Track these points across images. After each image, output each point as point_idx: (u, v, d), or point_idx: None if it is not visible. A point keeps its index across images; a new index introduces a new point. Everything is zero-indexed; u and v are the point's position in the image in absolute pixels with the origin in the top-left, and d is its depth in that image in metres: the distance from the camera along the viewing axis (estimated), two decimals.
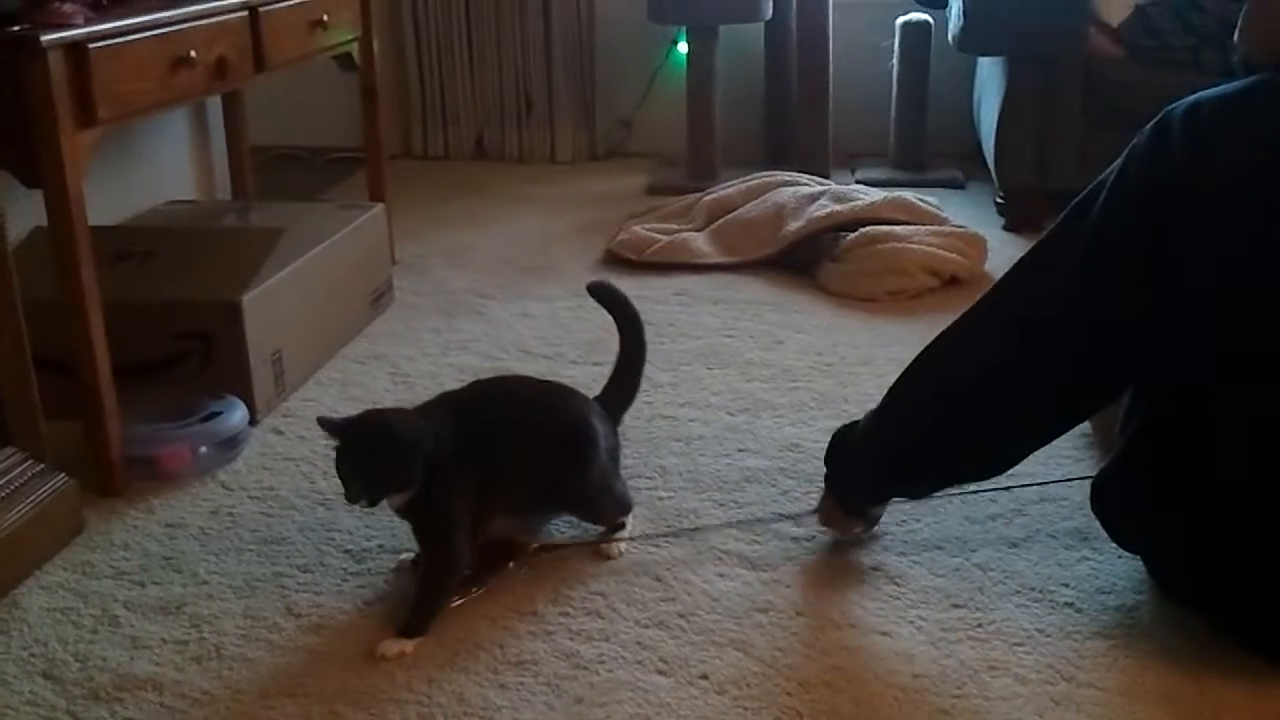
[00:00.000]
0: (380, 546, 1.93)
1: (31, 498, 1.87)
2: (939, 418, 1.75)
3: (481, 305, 3.02)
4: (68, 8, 1.99)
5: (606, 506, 1.93)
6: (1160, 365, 1.62)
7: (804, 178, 3.60)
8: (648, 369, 2.56)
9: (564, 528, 1.98)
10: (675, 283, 3.15)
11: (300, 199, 3.63)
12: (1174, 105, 1.60)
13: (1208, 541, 1.60)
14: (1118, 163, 1.63)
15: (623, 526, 1.94)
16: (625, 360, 2.11)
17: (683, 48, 4.21)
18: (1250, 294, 1.52)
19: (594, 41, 4.43)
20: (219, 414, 2.22)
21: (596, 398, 2.02)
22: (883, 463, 1.82)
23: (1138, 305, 1.58)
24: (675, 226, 3.45)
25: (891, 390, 1.83)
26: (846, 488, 1.88)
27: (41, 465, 1.91)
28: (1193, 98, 1.59)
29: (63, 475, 1.94)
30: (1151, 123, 1.61)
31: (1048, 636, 1.69)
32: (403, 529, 1.96)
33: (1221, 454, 1.57)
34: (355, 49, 3.05)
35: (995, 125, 3.51)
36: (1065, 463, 2.13)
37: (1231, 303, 1.53)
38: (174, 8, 2.19)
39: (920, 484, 1.87)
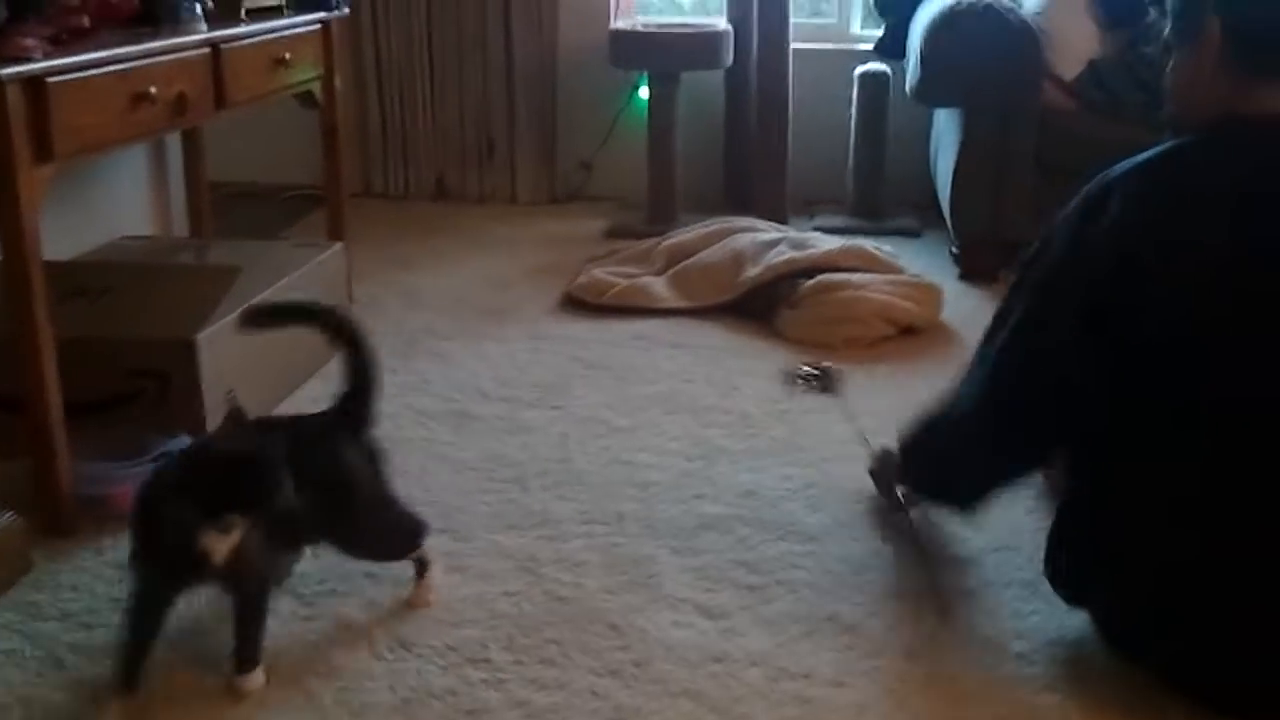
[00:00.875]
0: (331, 591, 1.91)
1: None
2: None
3: (439, 346, 3.01)
4: (27, 41, 1.97)
5: (386, 539, 1.87)
6: (1086, 431, 1.69)
7: (762, 224, 3.63)
8: (605, 412, 2.58)
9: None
10: (634, 327, 3.15)
11: (258, 236, 3.61)
12: (1100, 176, 1.65)
13: (1143, 602, 1.63)
14: (1045, 236, 1.70)
15: (423, 564, 1.88)
16: (350, 366, 1.91)
17: (644, 93, 4.24)
18: (1181, 349, 1.57)
19: (556, 84, 4.46)
20: (170, 453, 2.19)
21: (333, 415, 1.87)
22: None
23: (1070, 368, 1.65)
24: (634, 270, 3.46)
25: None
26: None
27: None
28: (1118, 168, 1.65)
29: (11, 514, 1.91)
30: (1079, 196, 1.67)
31: (1000, 688, 1.69)
32: (352, 572, 1.94)
33: (1136, 528, 1.64)
34: (317, 87, 3.05)
35: (951, 175, 3.56)
36: (1020, 515, 2.14)
37: (1160, 359, 1.58)
38: (135, 43, 2.18)
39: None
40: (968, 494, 1.88)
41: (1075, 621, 1.82)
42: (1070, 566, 1.76)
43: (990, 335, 1.78)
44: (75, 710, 1.63)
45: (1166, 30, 1.74)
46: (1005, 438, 1.77)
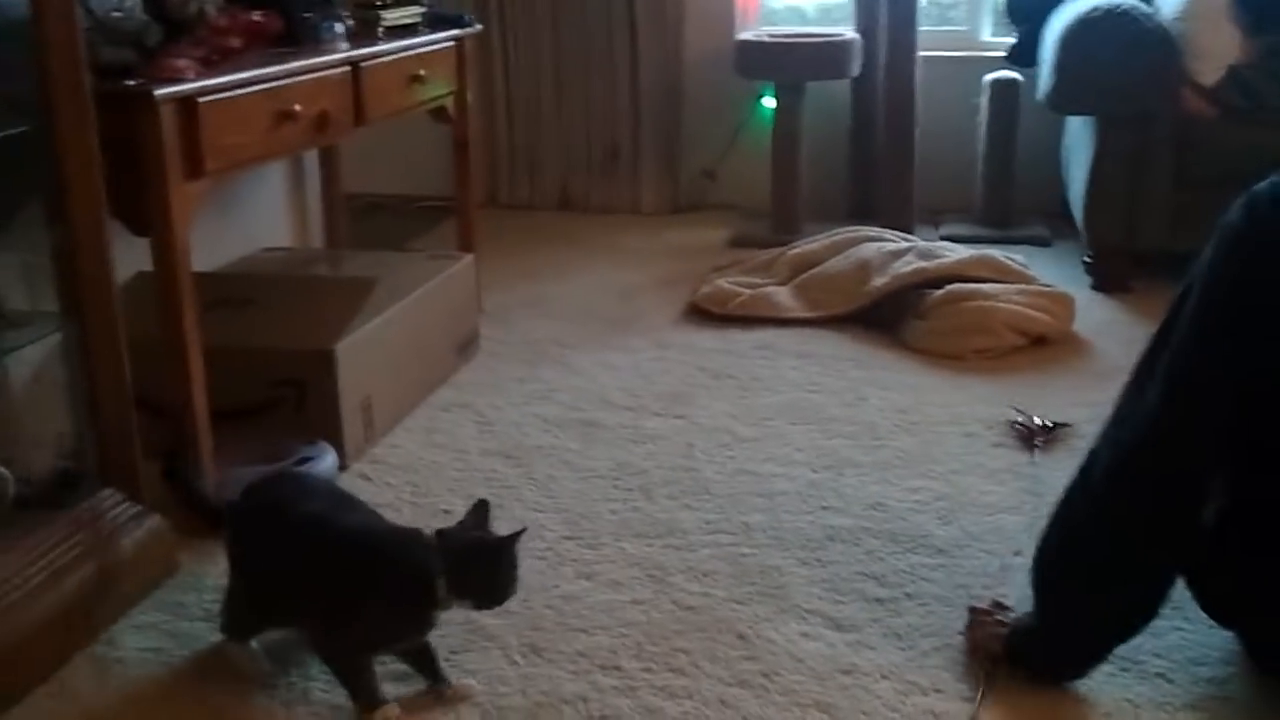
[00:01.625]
0: None
1: (128, 539, 1.92)
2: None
3: (565, 355, 3.05)
4: (180, 62, 2.05)
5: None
6: (1253, 445, 1.59)
7: (889, 233, 3.60)
8: (730, 422, 2.60)
9: None
10: (758, 336, 3.15)
11: (389, 247, 3.70)
12: (1257, 189, 1.54)
13: None
14: (1206, 255, 1.57)
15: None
16: None
17: (769, 102, 4.24)
18: None
19: (680, 95, 4.48)
20: (310, 459, 2.26)
21: None
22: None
23: (1238, 383, 1.54)
24: (759, 280, 3.46)
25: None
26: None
27: (139, 507, 1.96)
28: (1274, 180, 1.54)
29: (158, 517, 1.98)
30: (1236, 207, 1.55)
31: (1138, 707, 1.66)
32: None
33: None
34: (450, 102, 3.11)
35: (1085, 184, 3.49)
36: None
37: None
38: (280, 63, 2.26)
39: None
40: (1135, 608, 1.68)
41: (1216, 640, 1.77)
42: (1222, 588, 1.70)
43: (1145, 367, 1.62)
44: (219, 705, 1.68)
45: None
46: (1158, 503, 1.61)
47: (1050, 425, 2.54)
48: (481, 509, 1.70)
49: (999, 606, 1.80)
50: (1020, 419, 2.57)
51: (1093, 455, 1.64)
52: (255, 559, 1.75)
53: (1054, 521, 1.69)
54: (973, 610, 1.82)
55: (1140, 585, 1.64)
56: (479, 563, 1.63)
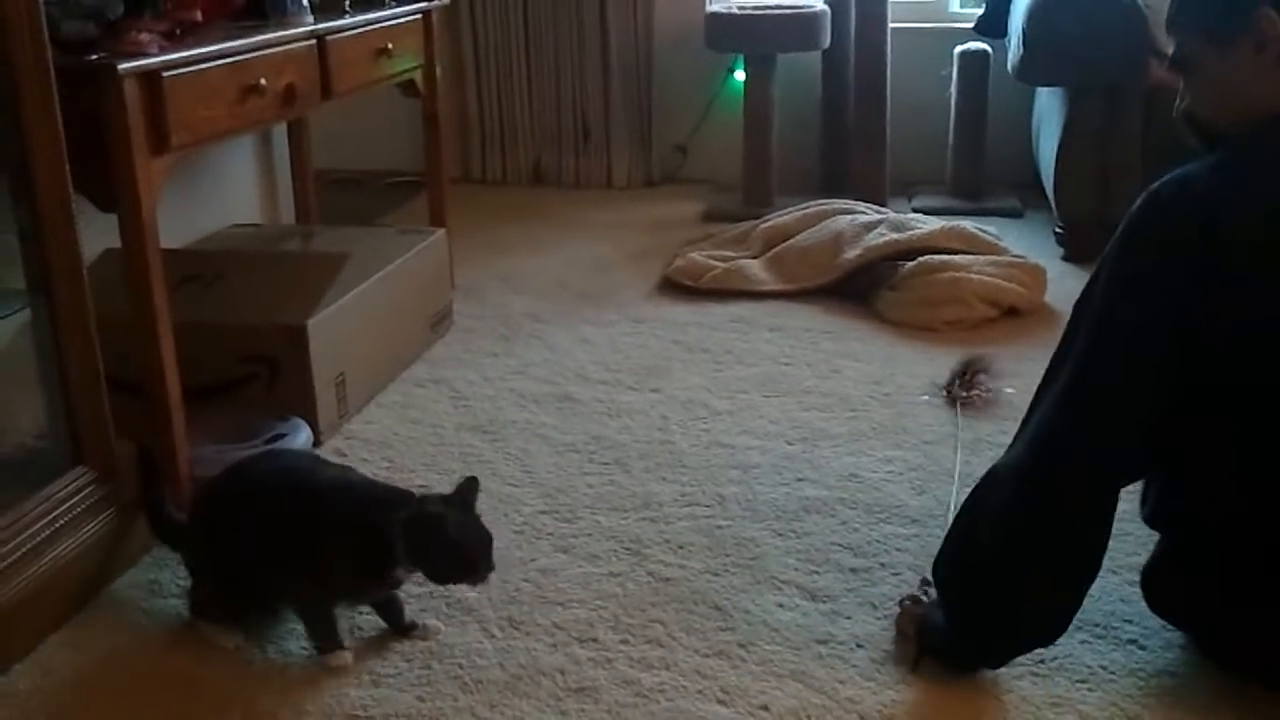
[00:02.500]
0: None
1: (102, 515, 1.90)
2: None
3: (539, 330, 3.05)
4: (143, 37, 2.03)
5: None
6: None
7: (861, 205, 3.60)
8: (704, 395, 2.60)
9: None
10: (732, 309, 3.15)
11: (360, 222, 3.68)
12: (1158, 185, 1.55)
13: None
14: (1111, 248, 1.57)
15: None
16: None
17: (739, 75, 4.23)
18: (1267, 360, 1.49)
19: (651, 68, 4.46)
20: (284, 435, 2.24)
21: None
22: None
23: (1153, 390, 1.53)
24: (732, 253, 3.46)
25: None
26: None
27: (111, 485, 1.94)
28: (1174, 176, 1.55)
29: (132, 494, 1.97)
30: (1138, 204, 1.56)
31: (1112, 674, 1.67)
32: None
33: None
34: (418, 76, 3.09)
35: (1055, 155, 3.50)
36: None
37: (1250, 368, 1.50)
38: (245, 36, 2.23)
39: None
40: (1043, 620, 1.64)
41: None
42: (1172, 592, 1.70)
43: (1050, 375, 1.62)
44: (194, 680, 1.68)
45: (1184, 34, 1.60)
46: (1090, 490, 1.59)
47: (969, 378, 2.58)
48: (469, 486, 1.72)
49: (925, 584, 1.79)
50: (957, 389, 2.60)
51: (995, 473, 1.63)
52: (227, 544, 1.77)
53: (964, 532, 1.67)
54: (902, 600, 1.79)
55: (1066, 582, 1.62)
56: (434, 540, 1.66)
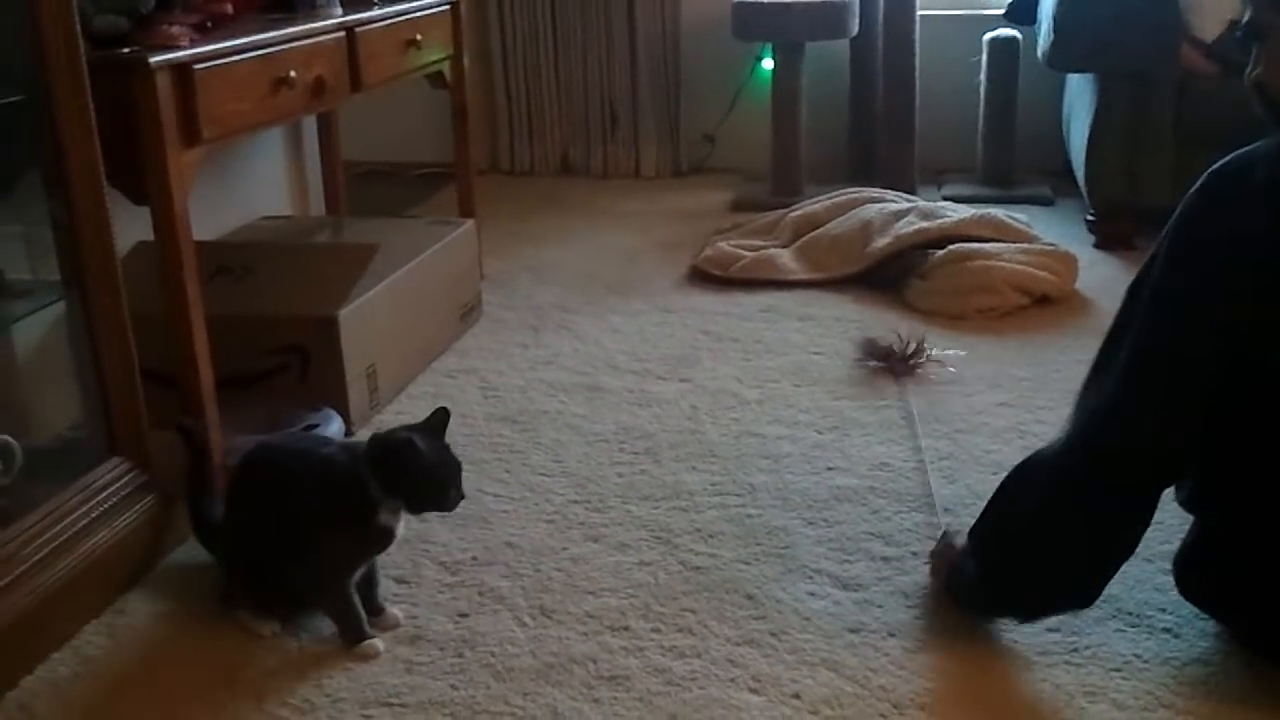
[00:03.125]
0: (473, 559, 1.96)
1: (138, 506, 1.92)
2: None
3: (568, 320, 3.05)
4: (174, 30, 2.04)
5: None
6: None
7: (890, 194, 3.59)
8: (734, 385, 2.60)
9: None
10: (761, 299, 3.15)
11: (390, 214, 3.69)
12: (1220, 165, 1.53)
13: None
14: (1168, 230, 1.55)
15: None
16: None
17: (767, 64, 4.22)
18: None
19: (679, 58, 4.46)
20: (315, 426, 2.26)
21: None
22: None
23: (1207, 370, 1.53)
24: (760, 242, 3.45)
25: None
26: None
27: (146, 475, 1.96)
28: (1237, 155, 1.52)
29: (167, 484, 1.98)
30: (1198, 185, 1.54)
31: (1145, 662, 1.66)
32: (494, 541, 1.99)
33: None
34: (447, 67, 3.09)
35: (1086, 142, 3.47)
36: None
37: None
38: (275, 29, 2.24)
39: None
40: (1076, 584, 1.66)
41: None
42: (1219, 583, 1.68)
43: (1103, 360, 1.60)
44: (231, 669, 1.69)
45: (1258, 3, 1.55)
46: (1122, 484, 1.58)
47: (910, 350, 2.63)
48: (438, 415, 1.75)
49: (954, 533, 1.82)
50: (883, 345, 2.67)
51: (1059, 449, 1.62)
52: (243, 536, 1.81)
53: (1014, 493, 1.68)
54: (943, 536, 1.85)
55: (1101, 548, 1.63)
56: (404, 465, 1.68)
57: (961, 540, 1.77)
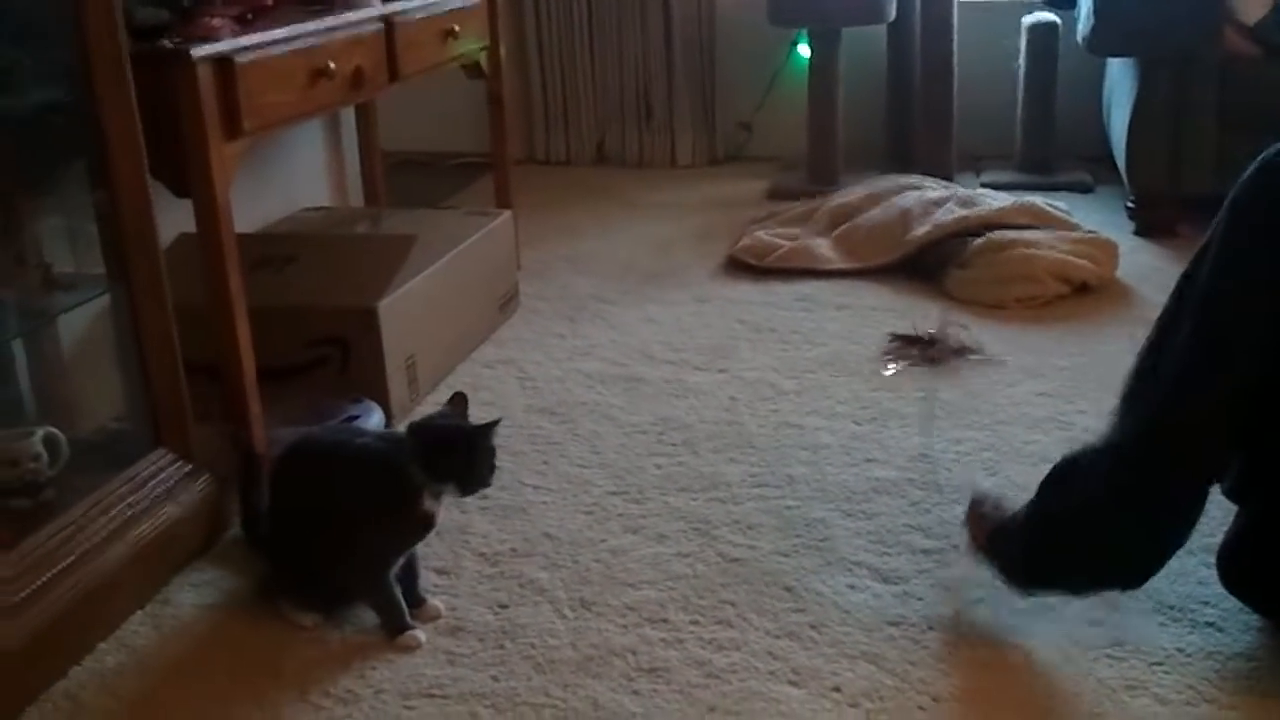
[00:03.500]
0: (513, 550, 1.96)
1: (182, 497, 1.94)
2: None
3: (605, 310, 3.05)
4: (215, 21, 2.05)
5: None
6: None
7: (928, 181, 3.57)
8: (772, 375, 2.60)
9: None
10: (798, 289, 3.14)
11: (427, 204, 3.70)
12: (1273, 152, 1.51)
13: None
14: (1222, 216, 1.55)
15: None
16: None
17: (804, 50, 4.20)
18: None
19: (714, 45, 4.44)
20: (356, 417, 2.27)
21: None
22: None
23: (1261, 359, 1.52)
24: (797, 231, 3.44)
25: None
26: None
27: (190, 466, 1.98)
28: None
29: (210, 476, 2.01)
30: (1251, 172, 1.53)
31: (1188, 656, 1.65)
32: (533, 533, 2.00)
33: None
34: (483, 57, 3.09)
35: (1126, 128, 3.44)
36: None
37: None
38: (314, 20, 2.25)
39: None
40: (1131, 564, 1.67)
41: None
42: (1264, 575, 1.67)
43: (1153, 350, 1.61)
44: (275, 660, 1.71)
45: None
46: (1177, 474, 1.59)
47: (929, 337, 2.66)
48: (458, 400, 1.78)
49: (987, 502, 1.82)
50: (903, 334, 2.70)
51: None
52: (286, 528, 1.83)
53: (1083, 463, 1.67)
54: (974, 498, 1.85)
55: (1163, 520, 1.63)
56: (446, 442, 1.70)
57: (994, 503, 1.79)
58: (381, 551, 1.74)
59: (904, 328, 2.75)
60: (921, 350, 2.64)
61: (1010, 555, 1.73)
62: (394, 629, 1.74)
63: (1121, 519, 1.60)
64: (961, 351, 2.65)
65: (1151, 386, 1.58)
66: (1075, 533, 1.64)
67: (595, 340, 2.86)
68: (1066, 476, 1.68)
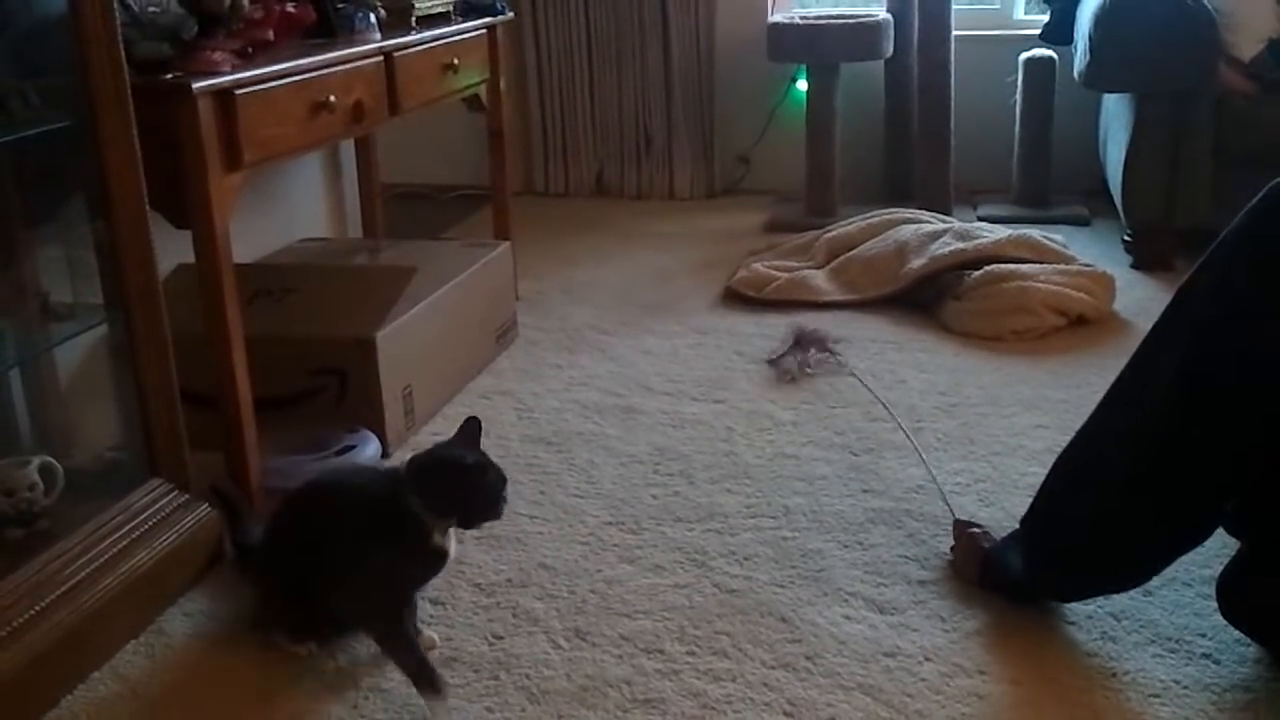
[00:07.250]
0: (508, 581, 1.96)
1: (177, 527, 1.94)
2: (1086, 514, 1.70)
3: (603, 341, 3.06)
4: (216, 56, 2.06)
5: None
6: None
7: (926, 215, 3.58)
8: (768, 406, 2.60)
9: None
10: (796, 320, 3.14)
11: (426, 236, 3.71)
12: (1277, 182, 1.52)
13: None
14: (1228, 243, 1.56)
15: None
16: None
17: (802, 85, 4.23)
18: None
19: (713, 79, 4.47)
20: (353, 447, 2.27)
21: None
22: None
23: (1253, 393, 1.54)
24: (795, 264, 3.46)
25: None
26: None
27: (186, 495, 1.98)
28: None
29: (206, 505, 2.01)
30: (1257, 200, 1.53)
31: (1185, 688, 1.65)
32: (529, 563, 2.00)
33: None
34: (483, 90, 3.12)
35: (1123, 162, 3.46)
36: None
37: None
38: (314, 54, 2.27)
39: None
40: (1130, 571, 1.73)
41: None
42: (1264, 605, 1.67)
43: (1136, 373, 1.68)
44: (268, 690, 1.70)
45: None
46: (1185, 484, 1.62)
47: (803, 347, 2.82)
48: (470, 426, 1.73)
49: (969, 525, 1.92)
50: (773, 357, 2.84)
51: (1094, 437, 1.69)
52: (287, 570, 1.80)
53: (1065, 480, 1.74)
54: (957, 524, 1.96)
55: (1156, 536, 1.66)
56: (444, 473, 1.66)
57: (981, 529, 1.87)
58: (394, 591, 1.70)
59: (771, 351, 2.91)
60: (797, 357, 2.82)
61: (1013, 568, 1.76)
62: (423, 679, 1.63)
63: (1145, 498, 1.62)
64: (822, 342, 2.86)
65: (1134, 409, 1.64)
66: (1093, 517, 1.67)
67: (592, 371, 2.86)
68: (1078, 457, 1.73)
